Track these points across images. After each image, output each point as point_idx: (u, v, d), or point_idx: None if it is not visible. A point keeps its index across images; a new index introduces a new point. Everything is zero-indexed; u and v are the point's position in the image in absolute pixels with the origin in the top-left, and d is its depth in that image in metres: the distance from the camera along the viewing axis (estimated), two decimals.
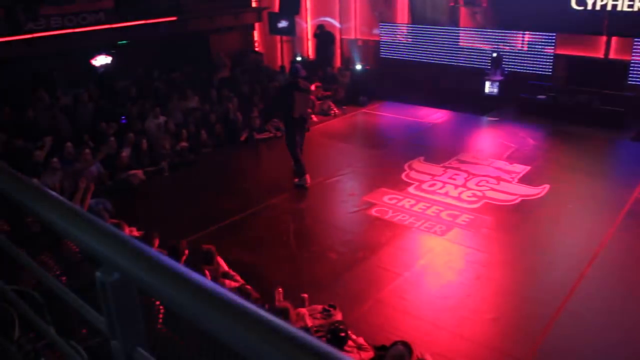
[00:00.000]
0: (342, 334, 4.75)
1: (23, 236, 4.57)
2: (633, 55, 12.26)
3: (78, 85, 12.58)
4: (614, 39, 12.83)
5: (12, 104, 11.13)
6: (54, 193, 1.49)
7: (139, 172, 9.91)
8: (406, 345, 4.41)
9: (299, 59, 16.54)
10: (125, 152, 10.16)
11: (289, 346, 0.93)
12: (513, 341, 5.61)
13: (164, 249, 6.07)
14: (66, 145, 9.67)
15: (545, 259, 7.10)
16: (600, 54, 13.07)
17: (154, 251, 1.21)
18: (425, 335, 5.62)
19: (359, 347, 4.96)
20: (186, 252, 6.00)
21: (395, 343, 4.49)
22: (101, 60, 13.91)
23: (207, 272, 5.75)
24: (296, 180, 9.62)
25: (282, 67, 16.42)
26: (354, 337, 5.03)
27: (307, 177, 9.55)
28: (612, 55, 12.96)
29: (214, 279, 5.72)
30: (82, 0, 13.00)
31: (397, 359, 4.35)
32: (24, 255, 1.83)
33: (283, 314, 4.90)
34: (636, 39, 12.18)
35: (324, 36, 16.20)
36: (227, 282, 5.92)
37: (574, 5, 12.62)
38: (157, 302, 1.37)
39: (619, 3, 12.05)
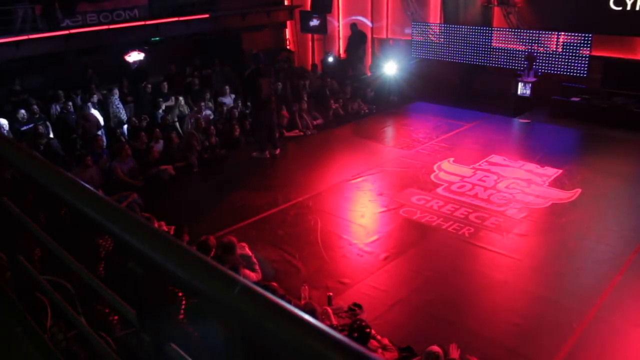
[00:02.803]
0: (368, 330, 4.73)
1: (57, 228, 4.66)
2: None
3: (111, 81, 12.80)
4: None
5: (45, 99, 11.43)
6: (89, 186, 1.52)
7: (169, 168, 10.03)
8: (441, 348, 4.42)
9: (330, 58, 16.50)
10: (156, 148, 10.29)
11: (321, 343, 0.94)
12: (538, 347, 5.52)
13: (193, 244, 6.14)
14: (97, 138, 9.85)
15: (575, 265, 6.98)
16: (638, 56, 12.76)
17: (186, 245, 1.23)
18: (449, 337, 5.56)
19: (384, 348, 4.95)
20: (213, 250, 6.05)
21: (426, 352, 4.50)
22: (134, 56, 14.11)
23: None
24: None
25: (314, 65, 16.43)
26: (378, 337, 5.03)
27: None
28: None
29: (234, 269, 5.73)
30: None
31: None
32: (57, 246, 1.87)
33: (310, 312, 4.91)
34: None
35: (356, 35, 16.14)
36: (247, 272, 5.94)
37: (612, 5, 12.33)
38: (180, 294, 1.39)
39: None
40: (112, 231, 1.33)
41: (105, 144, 10.22)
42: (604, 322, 5.83)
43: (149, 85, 12.67)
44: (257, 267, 6.17)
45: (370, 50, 16.55)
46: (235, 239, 6.20)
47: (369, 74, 15.37)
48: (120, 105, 11.87)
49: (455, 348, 4.89)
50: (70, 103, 11.38)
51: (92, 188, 1.47)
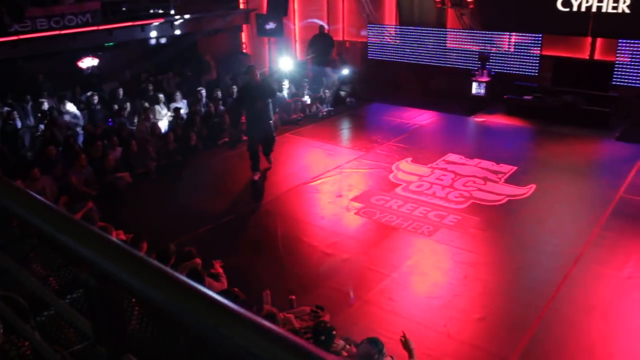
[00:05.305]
0: (334, 332, 4.73)
1: (8, 240, 4.53)
2: (617, 56, 12.40)
3: (64, 88, 12.50)
4: (598, 40, 12.97)
5: None
6: (39, 197, 1.49)
7: (126, 175, 9.86)
8: (375, 342, 4.35)
9: (285, 61, 16.45)
10: (112, 155, 10.10)
11: (276, 347, 0.94)
12: (499, 340, 5.65)
13: (153, 252, 6.05)
14: (49, 149, 9.60)
15: (532, 259, 7.16)
16: (586, 55, 13.21)
17: (141, 254, 1.22)
18: (413, 336, 5.62)
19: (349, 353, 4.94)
20: (173, 257, 5.97)
21: (363, 341, 4.43)
22: (88, 62, 13.83)
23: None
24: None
25: (271, 68, 16.40)
26: (348, 347, 4.99)
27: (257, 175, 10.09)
28: (597, 56, 13.10)
29: (194, 273, 5.68)
30: (68, 2, 12.93)
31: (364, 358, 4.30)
32: (8, 259, 1.82)
33: (270, 318, 4.90)
34: (620, 40, 12.32)
35: (323, 38, 16.09)
36: (212, 282, 5.90)
37: (559, 6, 12.72)
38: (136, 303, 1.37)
39: (604, 4, 12.17)
40: (62, 241, 1.31)
41: (58, 152, 9.97)
42: (559, 313, 6.01)
43: (95, 96, 12.35)
44: (223, 278, 6.14)
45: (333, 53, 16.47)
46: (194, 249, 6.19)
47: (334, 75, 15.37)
48: (75, 113, 11.61)
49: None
50: (16, 112, 11.06)
51: (40, 198, 1.43)
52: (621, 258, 7.06)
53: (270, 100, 9.73)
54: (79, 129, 11.43)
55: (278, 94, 12.09)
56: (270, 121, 9.93)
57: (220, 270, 6.26)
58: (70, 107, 11.25)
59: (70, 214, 1.41)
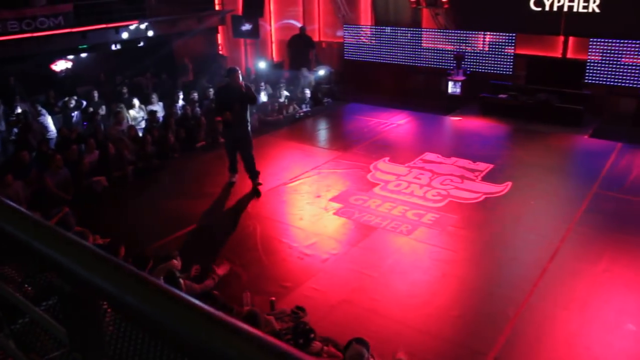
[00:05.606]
0: (312, 335, 4.74)
1: None
2: (589, 55, 12.61)
3: (37, 91, 12.31)
4: (571, 39, 13.19)
5: None
6: (10, 202, 1.47)
7: (103, 179, 9.74)
8: (363, 343, 4.39)
9: (262, 63, 16.41)
10: (88, 159, 9.97)
11: (255, 350, 0.94)
12: (479, 336, 5.70)
13: (130, 256, 6.00)
14: (22, 154, 9.44)
15: (509, 255, 7.25)
16: (558, 54, 13.42)
17: (115, 260, 1.21)
18: (394, 334, 5.68)
19: (330, 355, 4.95)
20: (151, 261, 5.92)
21: (350, 342, 4.46)
22: (61, 65, 13.64)
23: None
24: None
25: (248, 69, 16.36)
26: (325, 348, 5.00)
27: (234, 177, 9.87)
28: (569, 55, 13.32)
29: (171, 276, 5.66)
30: (40, 4, 12.75)
31: (355, 359, 4.33)
32: None
33: (252, 318, 4.89)
34: (592, 39, 12.54)
35: (301, 39, 16.06)
36: (192, 284, 5.87)
37: (532, 6, 12.90)
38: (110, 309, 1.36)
39: (575, 4, 12.39)
40: (34, 247, 1.29)
41: (32, 158, 9.80)
42: (536, 308, 6.09)
43: (73, 100, 12.18)
44: (208, 282, 6.12)
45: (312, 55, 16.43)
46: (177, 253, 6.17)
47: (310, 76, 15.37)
48: (47, 116, 11.44)
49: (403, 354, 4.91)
50: None
51: (13, 204, 1.41)
52: (596, 252, 7.18)
53: (249, 105, 9.39)
54: (50, 135, 11.27)
55: (258, 97, 11.97)
56: (248, 126, 9.46)
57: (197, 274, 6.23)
58: (48, 119, 11.08)
59: (43, 220, 1.39)
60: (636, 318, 5.88)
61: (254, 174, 9.58)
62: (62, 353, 1.92)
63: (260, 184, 9.55)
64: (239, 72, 9.33)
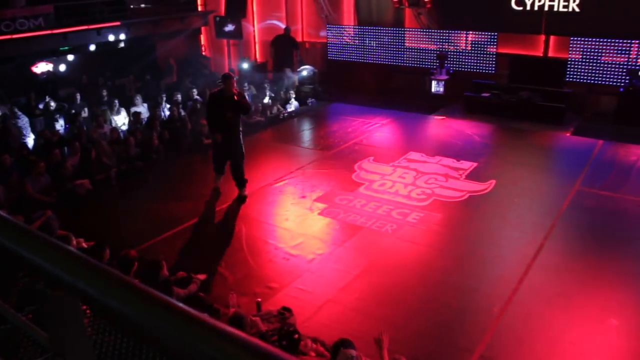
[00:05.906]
0: (296, 336, 4.74)
1: None
2: (570, 53, 12.75)
3: (18, 94, 12.17)
4: (552, 38, 13.34)
5: None
6: None
7: (86, 182, 9.65)
8: (349, 344, 4.41)
9: (246, 64, 16.35)
10: (70, 162, 9.87)
11: (240, 352, 0.94)
12: (464, 334, 5.74)
13: (115, 259, 5.95)
14: (2, 158, 9.32)
15: (493, 253, 7.30)
16: (540, 53, 13.56)
17: (99, 264, 1.20)
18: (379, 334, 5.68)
19: (318, 354, 4.96)
20: (136, 263, 5.88)
21: (337, 347, 4.46)
22: (42, 67, 13.49)
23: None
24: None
25: (232, 70, 16.29)
26: (313, 345, 5.02)
27: (218, 182, 9.50)
28: (550, 54, 13.48)
29: (165, 284, 5.64)
30: (19, 5, 12.59)
31: None
32: None
33: (238, 320, 4.88)
34: (572, 38, 12.68)
35: (285, 40, 16.02)
36: (177, 289, 5.84)
37: (514, 5, 13.02)
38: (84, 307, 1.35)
39: (555, 4, 12.52)
40: (16, 251, 1.28)
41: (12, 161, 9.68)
42: (521, 304, 6.15)
43: (52, 103, 12.05)
44: (193, 286, 6.10)
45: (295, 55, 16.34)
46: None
47: (294, 76, 15.34)
48: (25, 119, 11.30)
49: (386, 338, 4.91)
50: None
51: None
52: (579, 249, 7.27)
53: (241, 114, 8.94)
54: (24, 138, 11.13)
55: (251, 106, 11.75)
56: (240, 134, 9.02)
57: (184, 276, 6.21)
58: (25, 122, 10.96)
59: (24, 224, 1.37)
60: (619, 313, 5.95)
61: (241, 183, 9.19)
62: (45, 359, 1.90)
63: (246, 196, 9.18)
64: (234, 78, 9.02)
